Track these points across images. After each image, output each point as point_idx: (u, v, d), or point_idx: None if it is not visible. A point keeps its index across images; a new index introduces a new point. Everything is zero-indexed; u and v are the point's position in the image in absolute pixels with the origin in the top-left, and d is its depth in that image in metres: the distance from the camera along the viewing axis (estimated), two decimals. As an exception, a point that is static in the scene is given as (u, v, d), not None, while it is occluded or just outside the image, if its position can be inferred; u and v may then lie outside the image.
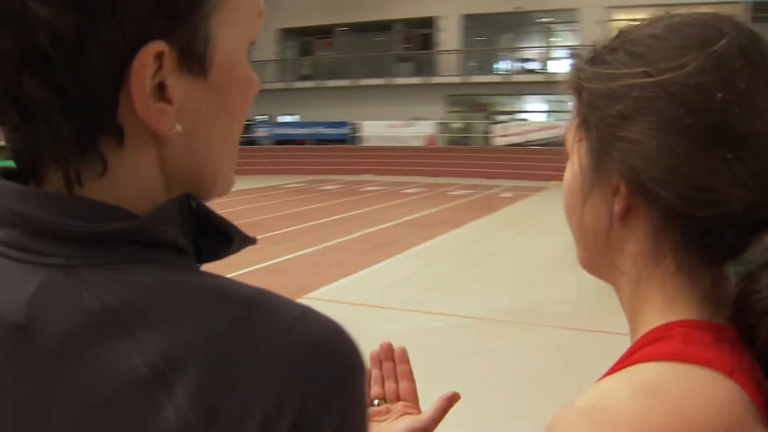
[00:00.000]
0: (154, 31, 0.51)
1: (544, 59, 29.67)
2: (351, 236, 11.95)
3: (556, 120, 28.33)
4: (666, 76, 0.67)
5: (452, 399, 0.97)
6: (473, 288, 8.33)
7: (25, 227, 0.53)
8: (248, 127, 28.44)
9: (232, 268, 7.66)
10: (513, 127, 27.87)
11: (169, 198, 0.57)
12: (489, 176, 24.29)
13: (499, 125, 28.35)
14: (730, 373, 0.62)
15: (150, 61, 0.51)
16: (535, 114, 30.68)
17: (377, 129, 28.69)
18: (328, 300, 7.36)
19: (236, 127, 0.62)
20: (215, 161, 0.60)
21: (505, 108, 30.74)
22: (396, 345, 1.07)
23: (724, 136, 0.65)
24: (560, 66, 28.64)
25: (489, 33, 30.39)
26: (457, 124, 29.98)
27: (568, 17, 27.90)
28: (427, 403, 1.00)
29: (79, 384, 0.49)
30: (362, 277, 8.85)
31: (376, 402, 1.01)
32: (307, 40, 32.69)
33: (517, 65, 29.82)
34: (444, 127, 29.30)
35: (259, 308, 0.52)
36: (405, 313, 7.17)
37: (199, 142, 0.58)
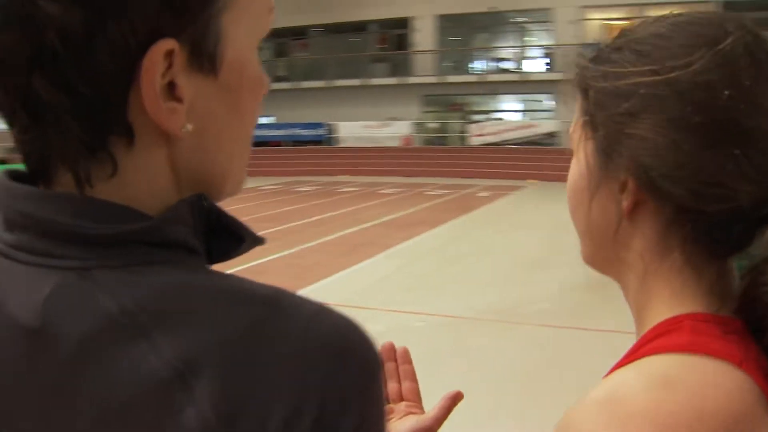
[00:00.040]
0: (164, 29, 0.50)
1: (519, 59, 29.83)
2: (329, 237, 11.93)
3: (531, 119, 28.51)
4: (674, 74, 0.68)
5: (456, 398, 0.96)
6: (452, 287, 8.34)
7: (36, 230, 0.52)
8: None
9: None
10: (489, 127, 27.98)
11: (179, 198, 0.56)
12: (466, 176, 24.37)
13: (474, 125, 28.46)
14: (739, 364, 0.63)
15: (160, 59, 0.50)
16: (511, 113, 30.84)
17: (353, 130, 28.70)
18: (307, 301, 7.30)
19: (247, 126, 0.61)
20: (226, 161, 0.59)
21: (480, 107, 30.87)
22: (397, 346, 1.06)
23: (731, 133, 0.67)
24: (535, 65, 28.85)
25: (464, 33, 30.52)
26: (433, 124, 30.06)
27: (542, 17, 28.06)
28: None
29: (97, 387, 0.48)
30: (342, 278, 8.83)
31: None
32: (281, 42, 32.56)
33: (492, 65, 29.96)
34: (420, 127, 29.37)
35: (276, 308, 0.52)
36: (385, 313, 7.16)
37: (209, 141, 0.57)
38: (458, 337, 6.46)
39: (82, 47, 0.49)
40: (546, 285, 8.24)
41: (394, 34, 30.97)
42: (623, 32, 0.77)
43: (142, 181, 0.54)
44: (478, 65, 30.38)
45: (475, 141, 27.45)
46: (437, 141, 29.40)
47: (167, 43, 0.51)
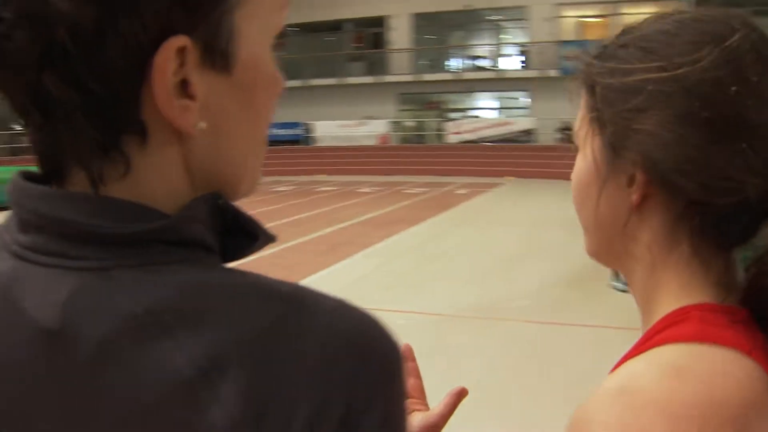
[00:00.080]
0: (176, 26, 0.50)
1: (495, 56, 29.95)
2: (308, 237, 11.91)
3: (508, 116, 28.63)
4: (681, 70, 0.70)
5: (460, 394, 0.96)
6: (432, 285, 8.35)
7: (52, 230, 0.51)
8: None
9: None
10: (465, 125, 28.06)
11: (194, 196, 0.55)
12: (443, 173, 24.42)
13: (451, 123, 28.54)
14: (749, 353, 0.65)
15: (172, 56, 0.50)
16: (487, 111, 30.94)
17: (330, 129, 28.66)
18: (287, 301, 7.29)
19: (262, 125, 0.60)
20: (240, 159, 0.58)
21: (457, 105, 30.97)
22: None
23: (738, 128, 0.69)
24: (510, 63, 28.97)
25: (439, 31, 30.57)
26: (409, 123, 30.11)
27: (517, 14, 28.19)
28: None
29: (120, 388, 0.48)
30: (322, 277, 8.81)
31: None
32: (257, 41, 32.46)
33: (468, 63, 30.06)
34: (397, 125, 29.41)
35: (297, 304, 0.51)
36: (365, 312, 7.14)
37: (223, 139, 0.56)
38: (439, 335, 6.46)
39: (93, 44, 0.48)
40: (526, 281, 8.28)
41: (370, 33, 31.00)
42: (627, 29, 0.78)
43: (155, 179, 0.54)
44: (454, 63, 30.47)
45: (452, 139, 27.52)
46: (414, 139, 29.45)
47: (179, 40, 0.50)
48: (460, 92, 29.52)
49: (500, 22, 30.51)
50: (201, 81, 0.52)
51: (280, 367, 0.49)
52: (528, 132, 26.24)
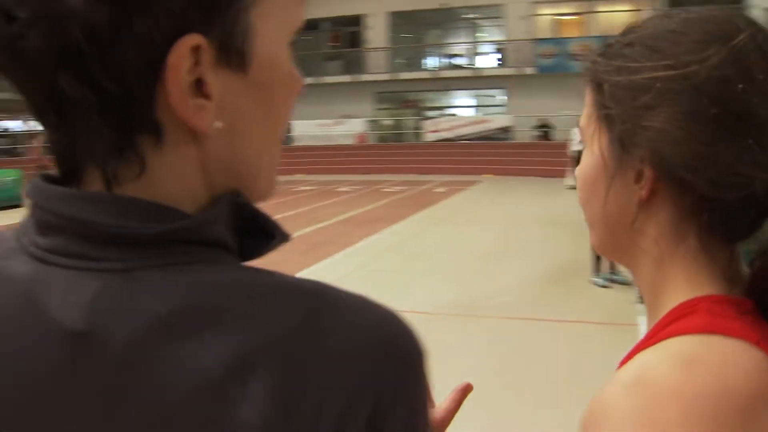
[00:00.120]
0: (191, 24, 0.50)
1: (471, 54, 30.01)
2: (288, 237, 11.81)
3: (485, 114, 28.69)
4: (690, 68, 0.71)
5: (466, 390, 0.97)
6: (413, 283, 8.34)
7: (73, 232, 0.51)
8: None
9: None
10: (443, 123, 28.08)
11: (210, 196, 0.55)
12: (422, 172, 24.44)
13: (429, 121, 28.55)
14: (757, 343, 0.67)
15: (186, 54, 0.50)
16: (464, 109, 30.99)
17: (308, 128, 28.54)
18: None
19: (279, 125, 0.60)
20: (257, 160, 0.58)
21: (434, 104, 30.97)
22: None
23: (745, 124, 0.71)
24: (487, 61, 29.04)
25: (416, 30, 30.58)
26: (387, 121, 30.09)
27: (493, 13, 28.26)
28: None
29: (147, 389, 0.48)
30: (303, 277, 8.74)
31: None
32: (233, 41, 32.26)
33: (445, 61, 30.09)
34: (374, 124, 29.38)
35: (322, 302, 0.52)
36: (348, 311, 7.13)
37: (239, 139, 0.56)
38: (422, 333, 6.36)
39: (107, 43, 0.48)
40: (506, 278, 8.31)
41: (347, 32, 30.93)
42: (631, 28, 0.80)
43: (170, 179, 0.54)
44: (431, 62, 30.48)
45: (430, 137, 27.54)
46: (392, 138, 29.43)
47: (193, 39, 0.50)
48: (437, 90, 29.54)
49: (476, 21, 30.59)
50: (216, 80, 0.52)
51: (307, 365, 0.49)
52: (505, 129, 26.31)
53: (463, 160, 24.65)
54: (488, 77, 27.42)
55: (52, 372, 0.50)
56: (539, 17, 26.82)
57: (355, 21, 29.95)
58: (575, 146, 17.81)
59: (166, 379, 0.48)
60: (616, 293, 7.60)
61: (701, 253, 0.76)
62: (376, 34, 29.57)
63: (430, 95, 30.41)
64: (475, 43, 30.77)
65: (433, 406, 0.97)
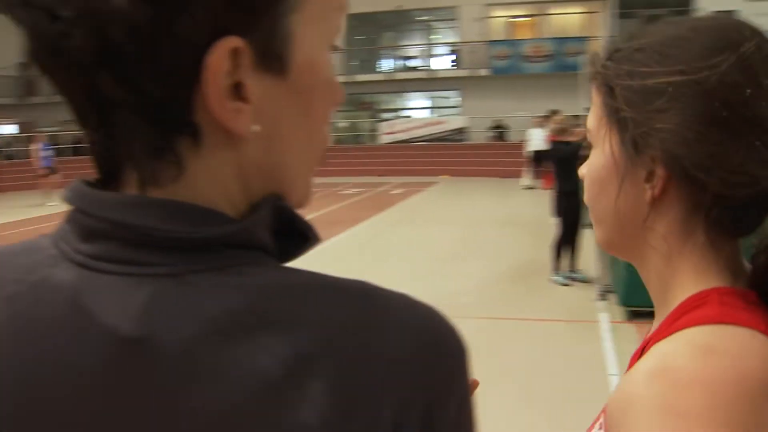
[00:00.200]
0: (230, 27, 0.50)
1: (426, 56, 30.13)
2: (246, 240, 11.72)
3: (440, 116, 28.83)
4: (702, 74, 0.75)
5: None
6: (375, 285, 8.33)
7: (123, 238, 0.51)
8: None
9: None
10: (399, 125, 28.13)
11: (247, 200, 0.55)
12: (378, 174, 24.47)
13: (384, 123, 28.59)
14: (765, 331, 0.71)
15: (225, 56, 0.50)
16: (419, 110, 31.11)
17: (263, 131, 28.35)
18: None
19: (317, 131, 0.60)
20: (294, 165, 0.58)
21: (389, 106, 31.02)
22: None
23: (753, 126, 0.75)
24: (441, 63, 29.18)
25: (371, 32, 30.59)
26: (342, 124, 30.06)
27: (447, 15, 28.41)
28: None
29: (205, 393, 0.48)
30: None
31: None
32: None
33: (400, 63, 30.17)
34: (330, 126, 29.25)
35: (373, 301, 0.52)
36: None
37: (277, 144, 0.56)
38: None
39: (149, 43, 0.48)
40: (466, 279, 8.35)
41: (301, 34, 30.79)
42: (640, 33, 0.84)
43: (208, 182, 0.54)
44: (386, 64, 30.55)
45: (386, 139, 27.58)
46: (348, 140, 29.42)
47: (232, 41, 0.50)
48: (392, 92, 29.61)
49: (431, 23, 30.73)
50: (255, 84, 0.52)
51: (363, 364, 0.49)
52: (460, 131, 26.46)
53: (420, 161, 24.74)
54: (443, 79, 27.55)
55: (104, 379, 0.50)
56: (493, 19, 27.04)
57: (310, 23, 29.82)
58: (531, 147, 18.02)
59: (223, 382, 0.48)
60: (576, 291, 7.70)
61: (709, 247, 0.80)
62: (331, 37, 29.48)
63: (385, 97, 30.45)
64: (430, 45, 30.90)
65: None
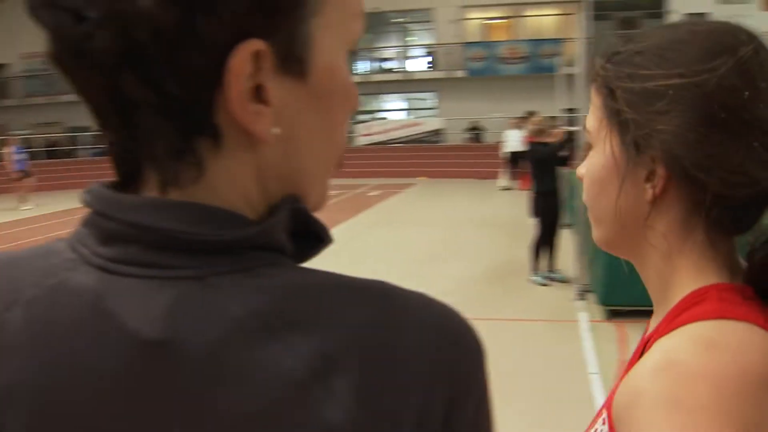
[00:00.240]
0: (253, 29, 0.50)
1: (402, 58, 30.16)
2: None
3: (416, 117, 28.88)
4: (702, 77, 0.78)
5: None
6: (354, 287, 8.32)
7: (144, 240, 0.51)
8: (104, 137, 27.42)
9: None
10: (375, 126, 28.14)
11: (265, 202, 0.56)
12: (355, 176, 24.46)
13: (361, 125, 28.58)
14: (763, 325, 0.74)
15: (247, 59, 0.50)
16: (396, 112, 31.14)
17: (239, 133, 28.27)
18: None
19: (335, 136, 0.60)
20: (312, 169, 0.59)
21: (365, 107, 31.01)
22: None
23: (751, 128, 0.77)
24: (417, 64, 29.23)
25: (347, 34, 30.55)
26: (319, 126, 30.03)
27: (423, 17, 28.47)
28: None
29: (231, 394, 0.48)
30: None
31: None
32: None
33: (376, 65, 30.18)
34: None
35: (392, 301, 0.53)
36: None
37: (296, 147, 0.56)
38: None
39: (173, 45, 0.48)
40: (445, 280, 8.36)
41: (277, 36, 30.73)
42: (639, 37, 0.86)
43: (228, 184, 0.54)
44: (362, 66, 30.55)
45: (363, 141, 27.57)
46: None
47: (255, 44, 0.50)
48: (368, 94, 29.59)
49: (406, 25, 30.77)
50: (276, 87, 0.52)
51: (385, 363, 0.50)
52: (437, 132, 26.54)
53: (396, 163, 24.76)
54: (419, 81, 27.60)
55: (125, 382, 0.50)
56: (468, 21, 27.14)
57: (285, 25, 29.76)
58: (508, 148, 18.10)
59: (249, 382, 0.48)
60: (555, 291, 7.74)
61: (708, 245, 0.82)
62: (307, 39, 29.44)
63: (361, 99, 29.95)
64: (406, 47, 30.94)
65: None
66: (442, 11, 27.03)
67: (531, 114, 9.07)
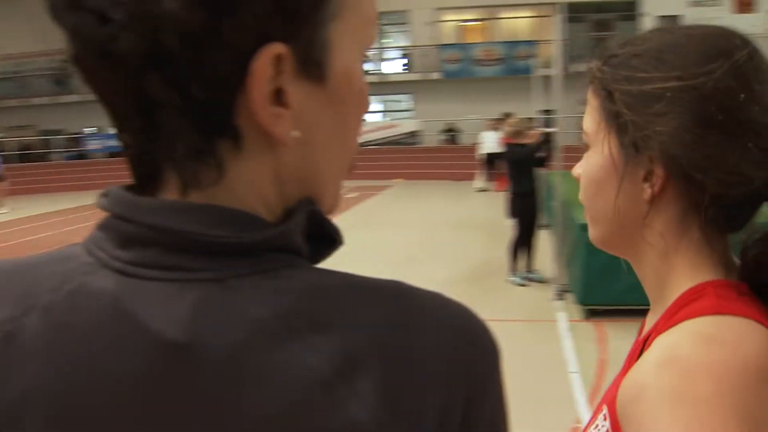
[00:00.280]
0: (274, 33, 0.51)
1: (377, 60, 30.19)
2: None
3: (392, 119, 28.90)
4: (699, 80, 0.80)
5: None
6: (333, 289, 8.30)
7: (165, 243, 0.51)
8: (78, 141, 27.20)
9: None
10: (351, 129, 28.09)
11: (281, 205, 0.56)
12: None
13: (337, 127, 28.53)
14: (759, 320, 0.76)
15: (269, 62, 0.51)
16: (372, 114, 31.13)
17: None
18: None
19: (350, 139, 0.61)
20: (327, 172, 0.59)
21: (341, 110, 30.96)
22: None
23: (746, 129, 0.79)
24: (393, 66, 29.25)
25: (322, 36, 30.51)
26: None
27: (398, 19, 28.48)
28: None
29: (255, 397, 0.48)
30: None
31: None
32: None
33: (352, 67, 30.16)
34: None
35: (409, 301, 0.54)
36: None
37: (313, 151, 0.57)
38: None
39: (198, 47, 0.49)
40: (423, 282, 7.96)
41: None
42: (633, 40, 0.88)
43: (246, 187, 0.54)
44: (338, 68, 30.51)
45: (339, 143, 27.51)
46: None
47: (277, 48, 0.51)
48: (344, 96, 29.57)
49: (382, 27, 30.79)
50: (295, 90, 0.53)
51: (406, 362, 0.50)
52: (413, 134, 26.58)
53: (373, 165, 24.73)
54: (395, 83, 27.60)
55: (145, 385, 0.50)
56: (444, 23, 27.21)
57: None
58: (484, 149, 18.16)
59: (272, 384, 0.48)
60: (534, 291, 7.78)
61: (704, 243, 0.84)
62: (282, 41, 29.34)
63: (337, 101, 30.34)
64: (381, 49, 30.96)
65: None
66: (418, 13, 27.08)
67: (507, 115, 9.11)
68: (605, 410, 0.81)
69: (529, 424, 4.53)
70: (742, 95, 0.79)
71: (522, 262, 8.12)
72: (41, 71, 27.09)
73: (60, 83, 27.15)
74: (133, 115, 0.52)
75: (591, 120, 0.90)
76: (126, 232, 0.53)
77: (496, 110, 19.22)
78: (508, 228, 8.33)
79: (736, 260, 0.86)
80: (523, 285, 7.97)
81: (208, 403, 0.49)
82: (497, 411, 0.55)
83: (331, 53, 0.55)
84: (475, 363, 0.53)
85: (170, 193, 0.54)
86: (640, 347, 0.84)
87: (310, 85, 0.54)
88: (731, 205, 0.82)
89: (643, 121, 0.82)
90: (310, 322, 0.50)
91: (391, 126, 27.60)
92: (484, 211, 14.09)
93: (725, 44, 0.82)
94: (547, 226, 9.09)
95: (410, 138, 26.62)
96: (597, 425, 0.83)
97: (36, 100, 26.85)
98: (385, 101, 30.21)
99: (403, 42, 29.27)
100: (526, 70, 17.63)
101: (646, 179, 0.84)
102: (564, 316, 6.73)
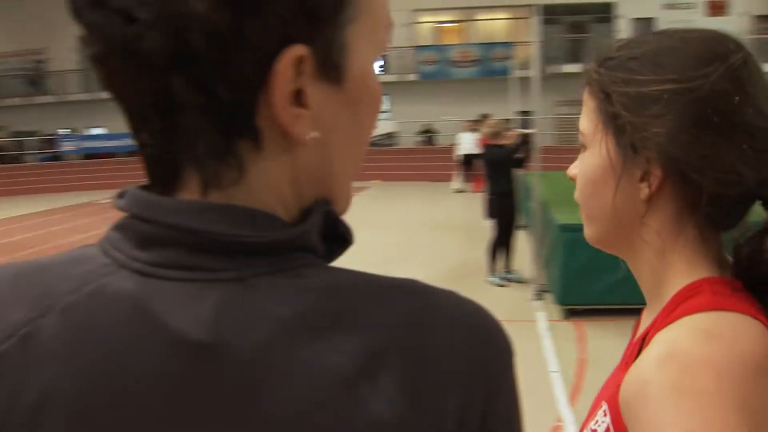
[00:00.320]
0: (296, 34, 0.51)
1: (354, 62, 30.22)
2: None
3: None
4: (695, 83, 0.82)
5: None
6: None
7: (185, 243, 0.51)
8: (51, 142, 26.95)
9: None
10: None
11: (298, 205, 0.57)
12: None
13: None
14: (755, 315, 0.78)
15: (291, 64, 0.51)
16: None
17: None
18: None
19: (364, 141, 0.62)
20: (342, 173, 0.60)
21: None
22: None
23: (740, 131, 0.82)
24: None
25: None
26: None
27: (375, 20, 28.53)
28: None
29: (277, 396, 0.48)
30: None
31: None
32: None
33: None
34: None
35: (426, 299, 0.54)
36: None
37: (330, 151, 0.58)
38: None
39: (225, 48, 0.49)
40: (403, 282, 8.36)
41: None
42: (632, 43, 0.90)
43: (265, 187, 0.55)
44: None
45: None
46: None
47: (299, 49, 0.51)
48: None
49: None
50: (315, 91, 0.54)
51: (425, 360, 0.51)
52: (390, 135, 26.61)
53: (350, 166, 24.76)
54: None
55: (170, 384, 0.50)
56: (420, 25, 27.28)
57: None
58: (461, 151, 18.22)
59: (297, 382, 0.49)
60: (512, 291, 7.81)
61: (700, 242, 0.86)
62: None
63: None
64: (358, 50, 31.04)
65: None
66: (394, 15, 26.39)
67: (485, 117, 9.15)
68: (605, 406, 0.82)
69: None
70: (737, 98, 0.81)
71: (501, 263, 8.16)
72: (14, 71, 26.85)
73: (34, 84, 26.92)
74: (153, 115, 0.52)
75: (588, 121, 0.91)
76: (145, 233, 0.53)
77: (472, 111, 19.29)
78: (485, 229, 8.36)
79: (729, 258, 0.88)
80: (502, 285, 8.01)
81: (231, 402, 0.49)
82: (512, 409, 0.55)
83: (348, 55, 0.55)
84: (490, 361, 0.54)
85: (189, 193, 0.54)
86: (639, 344, 0.85)
87: (328, 87, 0.55)
88: (726, 203, 0.84)
89: (640, 123, 0.84)
90: (332, 322, 0.50)
91: (368, 127, 27.59)
92: (462, 212, 14.13)
93: (721, 48, 0.84)
94: (525, 227, 9.12)
95: (387, 139, 26.63)
96: (597, 421, 0.84)
97: (8, 101, 26.57)
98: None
99: (379, 43, 29.30)
100: (503, 72, 17.72)
101: (643, 179, 0.86)
102: (543, 315, 6.77)
